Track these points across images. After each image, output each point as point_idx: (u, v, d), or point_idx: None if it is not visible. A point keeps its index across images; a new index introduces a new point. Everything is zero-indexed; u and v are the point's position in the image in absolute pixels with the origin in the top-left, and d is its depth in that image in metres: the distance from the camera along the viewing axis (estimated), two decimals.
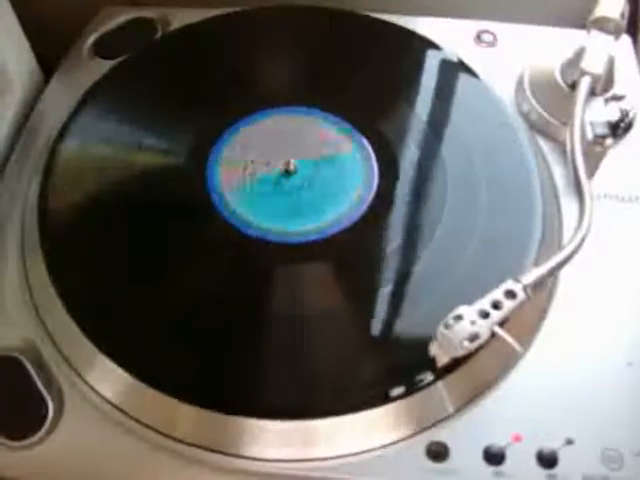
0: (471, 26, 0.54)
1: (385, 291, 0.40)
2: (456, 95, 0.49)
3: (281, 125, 0.47)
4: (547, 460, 0.37)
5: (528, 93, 0.49)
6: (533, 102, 0.48)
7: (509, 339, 0.35)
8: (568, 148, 0.42)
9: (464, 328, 0.34)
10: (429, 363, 0.36)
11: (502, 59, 0.52)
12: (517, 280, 0.36)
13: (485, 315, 0.35)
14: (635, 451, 0.37)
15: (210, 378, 0.38)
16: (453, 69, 0.50)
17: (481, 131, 0.47)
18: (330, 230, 0.43)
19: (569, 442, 0.37)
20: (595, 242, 0.39)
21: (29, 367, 0.39)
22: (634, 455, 0.37)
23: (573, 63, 0.46)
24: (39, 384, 0.39)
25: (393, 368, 0.38)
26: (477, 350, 0.35)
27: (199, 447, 0.38)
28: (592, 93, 0.44)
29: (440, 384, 0.38)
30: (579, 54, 0.45)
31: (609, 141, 0.43)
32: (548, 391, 0.39)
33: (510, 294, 0.36)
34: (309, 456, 0.37)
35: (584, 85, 0.44)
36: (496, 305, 0.35)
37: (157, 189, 0.45)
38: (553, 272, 0.37)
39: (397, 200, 0.44)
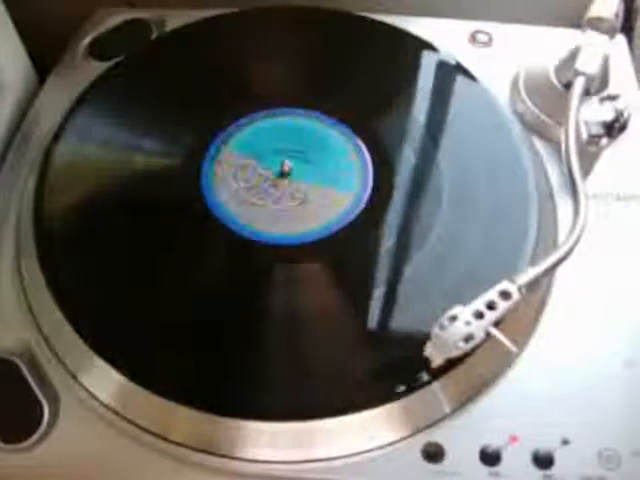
0: (466, 26, 0.54)
1: (380, 292, 0.40)
2: (451, 96, 0.49)
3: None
4: (543, 461, 0.37)
5: (523, 93, 0.49)
6: (528, 102, 0.48)
7: (504, 340, 0.35)
8: (563, 148, 0.42)
9: (459, 329, 0.34)
10: (425, 364, 0.36)
11: (497, 59, 0.52)
12: (512, 280, 0.36)
13: (480, 316, 0.35)
14: (632, 451, 0.37)
15: (206, 380, 0.38)
16: (448, 70, 0.50)
17: (476, 131, 0.47)
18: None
19: (565, 442, 0.37)
20: (590, 241, 0.39)
21: (24, 370, 0.39)
22: (631, 455, 0.37)
23: (568, 63, 0.46)
24: (34, 387, 0.39)
25: (389, 369, 0.38)
26: (472, 351, 0.35)
27: (195, 449, 0.38)
28: (587, 93, 0.44)
29: (436, 385, 0.38)
30: (574, 54, 0.45)
31: (604, 141, 0.43)
32: (544, 391, 0.39)
33: (505, 294, 0.36)
34: (305, 457, 0.37)
35: (579, 85, 0.44)
36: (491, 305, 0.35)
37: (152, 190, 0.45)
38: (548, 272, 0.37)
39: (393, 200, 0.44)
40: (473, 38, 0.54)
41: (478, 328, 0.35)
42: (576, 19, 0.48)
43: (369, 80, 0.50)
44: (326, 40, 0.52)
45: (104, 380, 0.39)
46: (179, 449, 0.38)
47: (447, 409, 0.38)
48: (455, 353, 0.35)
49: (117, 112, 0.48)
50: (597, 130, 0.43)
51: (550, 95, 0.47)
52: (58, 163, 0.46)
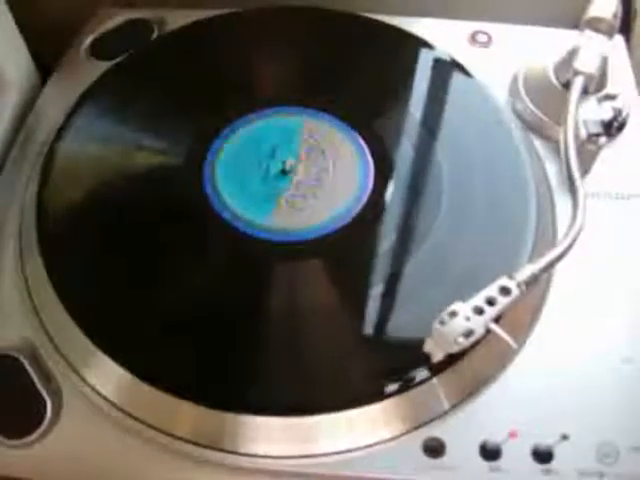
0: (466, 26, 0.55)
1: (381, 288, 0.41)
2: (451, 95, 0.49)
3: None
4: (543, 455, 0.37)
5: (522, 93, 0.49)
6: (527, 101, 0.49)
7: (504, 335, 0.35)
8: (562, 146, 0.42)
9: (459, 324, 0.35)
10: (425, 359, 0.36)
11: (496, 59, 0.52)
12: (511, 277, 0.36)
13: (480, 311, 0.35)
14: (630, 446, 0.37)
15: (209, 375, 0.39)
16: (448, 69, 0.50)
17: (476, 130, 0.47)
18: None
19: (564, 437, 0.37)
20: (589, 239, 0.40)
21: (27, 366, 0.40)
22: (629, 450, 0.37)
23: (566, 63, 0.46)
24: (37, 383, 0.39)
25: (389, 365, 0.38)
26: (472, 346, 0.36)
27: (198, 445, 0.38)
28: (585, 92, 0.45)
29: (436, 380, 0.38)
30: (572, 54, 0.45)
31: (602, 139, 0.43)
32: (543, 387, 0.39)
33: (504, 291, 0.36)
34: (306, 452, 0.37)
35: (577, 84, 0.44)
36: (490, 302, 0.36)
37: (154, 189, 0.45)
38: (547, 269, 0.37)
39: (393, 199, 0.44)
40: (472, 38, 0.54)
41: (478, 324, 0.35)
42: (575, 21, 0.48)
43: (370, 80, 0.50)
44: (326, 40, 0.53)
45: (107, 376, 0.39)
46: (183, 444, 0.38)
47: (447, 404, 0.38)
48: (455, 348, 0.35)
49: (119, 111, 0.48)
50: (596, 129, 0.43)
51: (549, 94, 0.47)
52: (60, 162, 0.46)
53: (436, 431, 0.38)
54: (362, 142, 0.46)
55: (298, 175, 0.45)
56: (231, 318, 0.40)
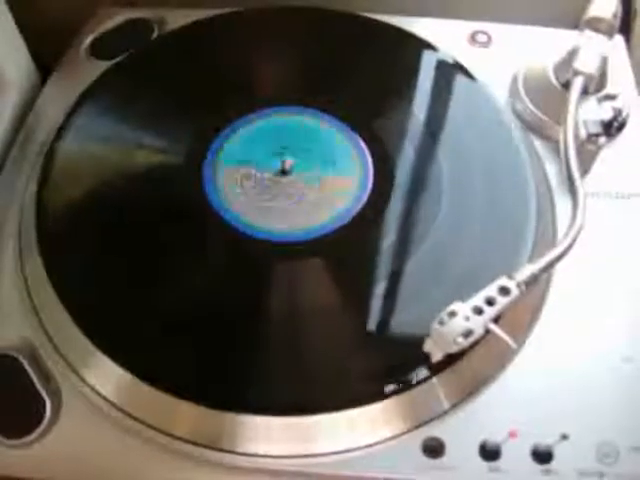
0: (465, 26, 0.55)
1: (381, 288, 0.41)
2: (451, 95, 0.49)
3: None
4: (542, 455, 0.37)
5: (522, 93, 0.49)
6: (527, 101, 0.49)
7: (503, 335, 0.35)
8: (561, 146, 0.42)
9: (458, 324, 0.35)
10: (424, 359, 0.36)
11: (496, 59, 0.52)
12: (511, 277, 0.36)
13: (479, 311, 0.35)
14: (630, 446, 0.37)
15: (208, 375, 0.39)
16: (448, 69, 0.50)
17: (476, 130, 0.47)
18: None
19: (564, 437, 0.37)
20: (589, 239, 0.40)
21: (26, 366, 0.40)
22: (629, 450, 0.37)
23: (566, 63, 0.46)
24: (37, 382, 0.39)
25: (389, 365, 0.38)
26: (472, 346, 0.36)
27: (198, 444, 0.38)
28: (585, 92, 0.45)
29: (435, 380, 0.38)
30: (572, 54, 0.45)
31: (602, 140, 0.43)
32: (543, 387, 0.39)
33: (504, 291, 0.36)
34: (305, 452, 0.37)
35: (577, 84, 0.44)
36: (490, 302, 0.36)
37: (154, 189, 0.45)
38: (547, 269, 0.37)
39: (393, 199, 0.44)
40: (472, 38, 0.54)
41: (477, 324, 0.35)
42: (575, 21, 0.48)
43: (369, 80, 0.50)
44: (326, 40, 0.53)
45: (107, 376, 0.39)
46: (182, 444, 0.38)
47: (447, 404, 0.38)
48: (454, 348, 0.35)
49: (119, 111, 0.48)
50: (595, 129, 0.43)
51: (549, 94, 0.47)
52: (60, 161, 0.46)
53: (436, 431, 0.38)
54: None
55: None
56: (231, 318, 0.40)
